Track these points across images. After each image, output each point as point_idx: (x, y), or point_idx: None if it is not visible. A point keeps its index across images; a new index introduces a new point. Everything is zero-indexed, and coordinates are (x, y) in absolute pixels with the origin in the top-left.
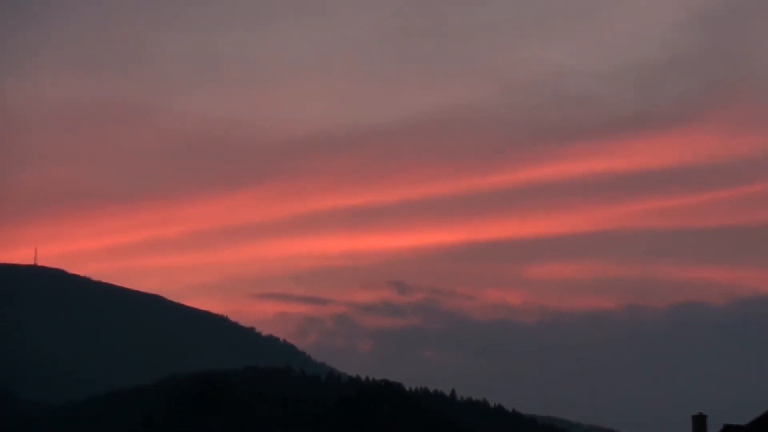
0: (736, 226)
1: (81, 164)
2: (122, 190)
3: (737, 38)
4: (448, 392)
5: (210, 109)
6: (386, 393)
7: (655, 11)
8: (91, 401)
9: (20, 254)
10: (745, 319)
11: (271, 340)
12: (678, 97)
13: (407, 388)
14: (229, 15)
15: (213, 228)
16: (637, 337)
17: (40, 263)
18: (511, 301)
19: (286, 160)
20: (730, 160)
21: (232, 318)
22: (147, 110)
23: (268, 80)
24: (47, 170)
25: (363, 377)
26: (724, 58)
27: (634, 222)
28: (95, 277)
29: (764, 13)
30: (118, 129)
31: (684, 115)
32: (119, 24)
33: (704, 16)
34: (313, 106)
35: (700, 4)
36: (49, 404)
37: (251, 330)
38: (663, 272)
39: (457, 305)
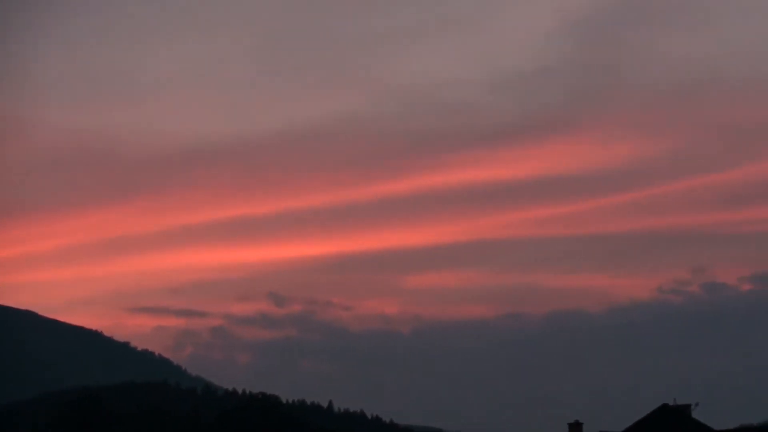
0: (610, 234)
1: None
2: None
3: (610, 47)
4: (325, 404)
5: (85, 122)
6: (263, 405)
7: (530, 20)
8: None
9: None
10: (619, 325)
11: (147, 355)
12: (554, 106)
13: (284, 400)
14: (104, 28)
15: (88, 242)
16: (516, 345)
17: None
18: (388, 311)
19: (161, 173)
20: (604, 169)
21: (107, 333)
22: (21, 124)
23: (143, 93)
24: None
25: (240, 390)
26: (598, 66)
27: (511, 231)
28: None
29: (636, 21)
30: None
31: (560, 125)
32: None
33: (577, 25)
34: (189, 118)
35: (573, 13)
36: None
37: (126, 345)
38: (540, 281)
39: (335, 316)
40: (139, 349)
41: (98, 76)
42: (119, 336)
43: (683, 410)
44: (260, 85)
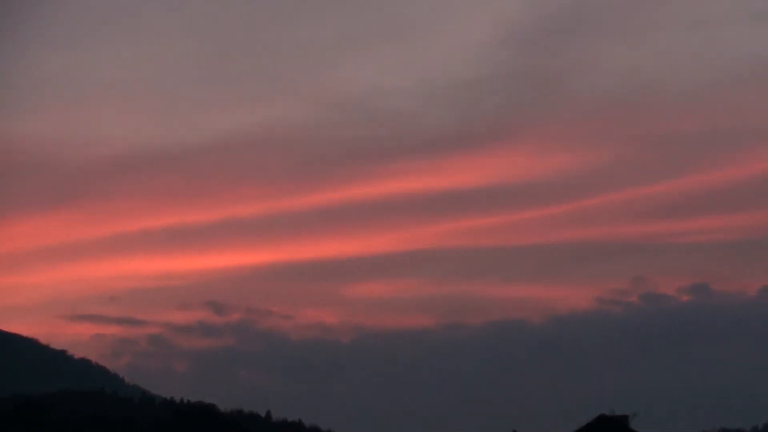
0: (549, 244)
1: None
2: None
3: (550, 57)
4: (263, 413)
5: (22, 128)
6: (201, 415)
7: (469, 30)
8: None
9: None
10: (558, 335)
11: (84, 363)
12: (492, 116)
13: (222, 410)
14: (42, 34)
15: (24, 249)
16: (456, 355)
17: None
18: (328, 320)
19: (99, 181)
20: (542, 179)
21: (43, 341)
22: None
23: (79, 100)
24: None
25: (178, 399)
26: (537, 76)
27: (450, 241)
28: None
29: (574, 32)
30: None
31: (498, 134)
32: None
33: (517, 34)
34: (126, 125)
35: (512, 22)
36: None
37: (62, 353)
38: (480, 291)
39: (274, 325)
40: (77, 357)
41: (38, 81)
42: (56, 344)
43: (621, 420)
44: (197, 92)
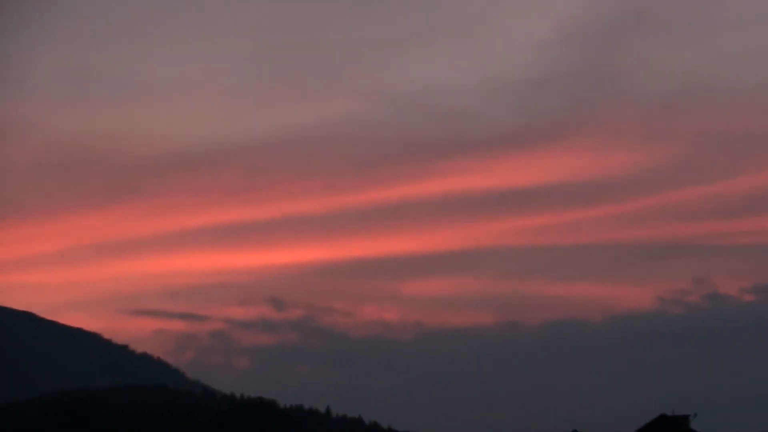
0: (608, 243)
1: None
2: None
3: (609, 56)
4: (323, 409)
5: (83, 124)
6: (260, 410)
7: (527, 28)
8: None
9: None
10: (619, 335)
11: (145, 358)
12: (551, 114)
13: (282, 405)
14: (99, 32)
15: (87, 244)
16: (514, 353)
17: None
18: (387, 317)
19: (159, 176)
20: (601, 178)
21: (106, 335)
22: (20, 125)
23: (140, 96)
24: None
25: (238, 394)
26: (596, 75)
27: (508, 239)
28: None
29: (634, 31)
30: None
31: (557, 133)
32: None
33: (576, 33)
34: (186, 121)
35: (572, 21)
36: None
37: (124, 347)
38: (538, 289)
39: (334, 322)
40: (138, 352)
41: (97, 77)
42: (118, 339)
43: (682, 420)
44: (258, 89)
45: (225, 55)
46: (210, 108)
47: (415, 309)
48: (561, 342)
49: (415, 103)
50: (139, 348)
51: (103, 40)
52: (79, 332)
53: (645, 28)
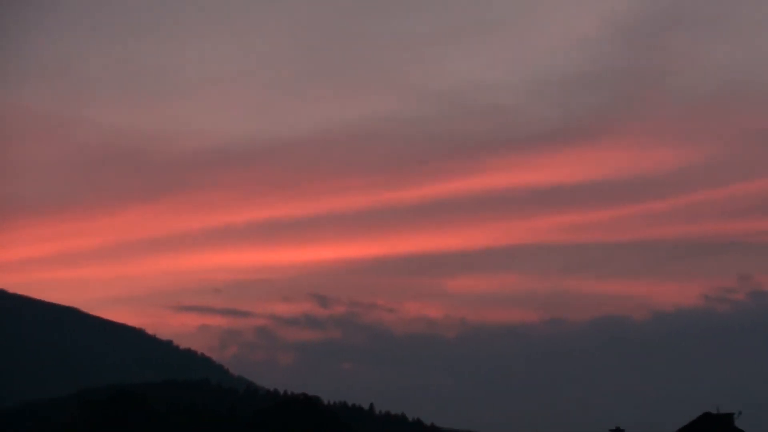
0: (651, 240)
1: None
2: (38, 202)
3: (652, 52)
4: (366, 406)
5: (125, 119)
6: (303, 406)
7: (571, 24)
8: (5, 414)
9: None
10: (663, 332)
11: (189, 354)
12: (592, 111)
13: (326, 402)
14: (144, 26)
15: (131, 240)
16: (557, 350)
17: None
18: (431, 314)
19: (202, 172)
20: (644, 175)
21: (150, 331)
22: (62, 121)
23: (182, 91)
24: None
25: (282, 391)
26: (639, 72)
27: (552, 236)
28: (11, 289)
29: (678, 27)
30: (32, 139)
31: (600, 130)
32: (39, 34)
33: (618, 29)
34: (228, 117)
35: (615, 18)
36: None
37: (168, 343)
38: (582, 286)
39: (378, 318)
40: (182, 348)
41: (143, 75)
42: (162, 334)
43: (726, 419)
44: (300, 85)
45: (269, 53)
46: (252, 104)
47: (459, 306)
48: (605, 339)
49: (458, 100)
50: (182, 344)
51: (149, 38)
52: (123, 328)
53: (688, 26)
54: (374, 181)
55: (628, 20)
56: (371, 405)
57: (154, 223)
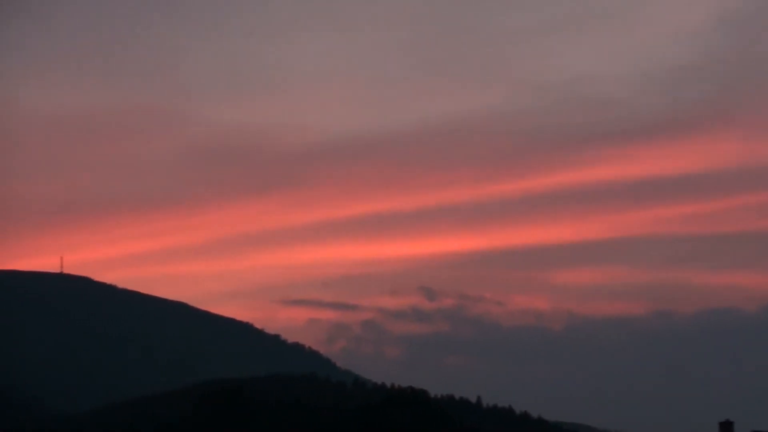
0: (762, 231)
1: (106, 171)
2: (148, 197)
3: (759, 44)
4: (473, 399)
5: (233, 115)
6: (411, 400)
7: (679, 14)
8: (116, 408)
9: (46, 262)
10: None
11: (297, 348)
12: (702, 100)
13: (432, 395)
14: (253, 22)
15: (238, 235)
16: (666, 343)
17: (66, 271)
18: (538, 307)
19: (311, 167)
20: (754, 165)
21: (258, 325)
22: (171, 117)
23: (289, 87)
24: (73, 177)
25: (389, 384)
26: (746, 63)
27: (660, 227)
28: (121, 285)
29: None
30: (142, 136)
31: (709, 120)
32: (144, 30)
33: (728, 18)
34: (336, 112)
35: (724, 6)
36: (74, 411)
37: (276, 337)
38: (691, 278)
39: (486, 311)
40: (290, 342)
41: (246, 70)
42: (270, 328)
43: None
44: (404, 80)
45: (376, 47)
46: (359, 99)
47: (565, 298)
48: (714, 331)
49: (565, 92)
50: (290, 338)
51: (252, 31)
52: (231, 322)
53: None
54: (481, 174)
55: (737, 11)
56: (478, 398)
57: (262, 217)
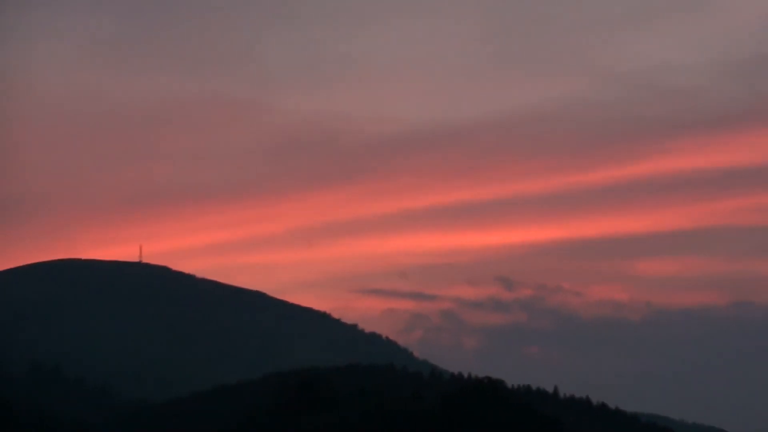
0: None
1: (186, 161)
2: (226, 187)
3: None
4: (551, 389)
5: (312, 106)
6: (488, 390)
7: (759, 2)
8: (194, 397)
9: (125, 251)
10: None
11: (374, 337)
12: None
13: (510, 385)
14: (332, 13)
15: (315, 224)
16: (744, 334)
17: (145, 260)
18: (617, 297)
19: (386, 157)
20: None
21: (335, 315)
22: (250, 107)
23: (368, 77)
24: (152, 167)
25: (466, 374)
26: None
27: (739, 218)
28: (199, 274)
29: None
30: (221, 126)
31: None
32: (226, 22)
33: None
34: (414, 102)
35: None
36: (151, 400)
37: (354, 327)
38: None
39: (564, 301)
40: (367, 331)
41: (325, 61)
42: (347, 318)
43: None
44: (483, 70)
45: (452, 37)
46: (436, 89)
47: (645, 289)
48: None
49: (644, 82)
50: (367, 327)
51: (334, 24)
52: (308, 311)
53: None
54: (559, 164)
55: None
56: (555, 388)
57: (341, 207)
